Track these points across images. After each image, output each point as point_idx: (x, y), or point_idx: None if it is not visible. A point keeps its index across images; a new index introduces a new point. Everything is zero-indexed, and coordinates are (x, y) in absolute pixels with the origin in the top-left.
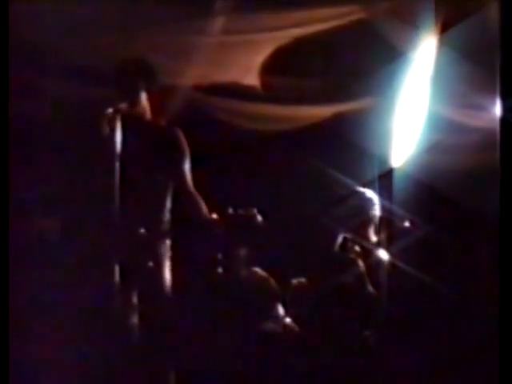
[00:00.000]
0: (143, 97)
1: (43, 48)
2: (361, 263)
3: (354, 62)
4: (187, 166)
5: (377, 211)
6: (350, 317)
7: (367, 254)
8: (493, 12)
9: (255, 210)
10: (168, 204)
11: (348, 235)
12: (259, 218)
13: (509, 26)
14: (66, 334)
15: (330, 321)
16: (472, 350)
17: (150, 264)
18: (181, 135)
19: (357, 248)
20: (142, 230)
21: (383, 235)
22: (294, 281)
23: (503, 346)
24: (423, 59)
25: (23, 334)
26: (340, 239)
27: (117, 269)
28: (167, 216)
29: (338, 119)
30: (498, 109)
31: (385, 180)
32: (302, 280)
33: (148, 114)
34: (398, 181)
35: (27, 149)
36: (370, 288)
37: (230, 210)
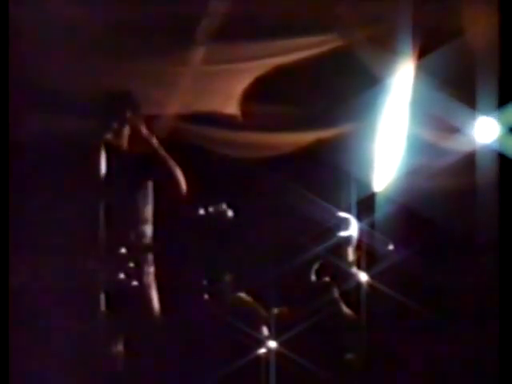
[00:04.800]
0: (128, 127)
1: (30, 80)
2: (335, 289)
3: (334, 88)
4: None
5: (354, 233)
6: (331, 340)
7: (345, 277)
8: (469, 38)
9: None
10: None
11: (324, 260)
12: (230, 213)
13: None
14: (55, 360)
15: (311, 345)
16: (458, 374)
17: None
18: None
19: (327, 278)
20: (123, 250)
21: (364, 259)
22: (275, 309)
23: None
24: (402, 85)
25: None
26: (316, 265)
27: (102, 295)
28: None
29: (320, 145)
30: (477, 131)
31: (366, 204)
32: (282, 308)
33: (133, 143)
34: (379, 205)
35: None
36: (348, 311)
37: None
